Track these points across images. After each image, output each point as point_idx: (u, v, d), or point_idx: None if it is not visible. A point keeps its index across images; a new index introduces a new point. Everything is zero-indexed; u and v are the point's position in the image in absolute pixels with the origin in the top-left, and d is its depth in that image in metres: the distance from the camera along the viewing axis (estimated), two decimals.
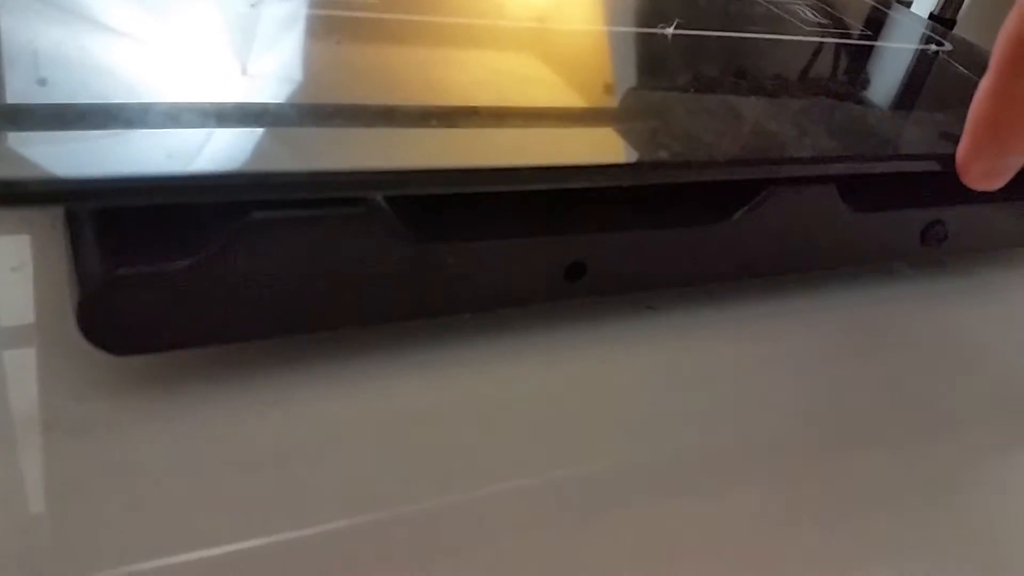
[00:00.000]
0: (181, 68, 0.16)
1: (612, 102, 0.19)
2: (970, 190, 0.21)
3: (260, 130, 0.15)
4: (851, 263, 0.22)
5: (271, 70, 0.17)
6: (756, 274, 0.21)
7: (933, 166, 0.21)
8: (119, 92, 0.15)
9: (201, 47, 0.18)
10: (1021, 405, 0.21)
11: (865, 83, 0.24)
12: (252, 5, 0.20)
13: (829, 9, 0.30)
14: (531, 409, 0.18)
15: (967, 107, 0.24)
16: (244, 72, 0.17)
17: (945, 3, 0.35)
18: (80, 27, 0.17)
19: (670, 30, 0.24)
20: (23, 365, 0.16)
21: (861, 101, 0.22)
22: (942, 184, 0.22)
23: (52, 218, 0.19)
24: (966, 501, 0.18)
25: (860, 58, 0.27)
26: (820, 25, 0.28)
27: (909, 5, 0.37)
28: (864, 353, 0.22)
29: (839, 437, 0.19)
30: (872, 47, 0.28)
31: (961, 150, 0.19)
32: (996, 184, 0.20)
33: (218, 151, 0.14)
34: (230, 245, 0.14)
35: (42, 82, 0.14)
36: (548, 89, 0.19)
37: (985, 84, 0.18)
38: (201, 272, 0.14)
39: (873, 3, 0.33)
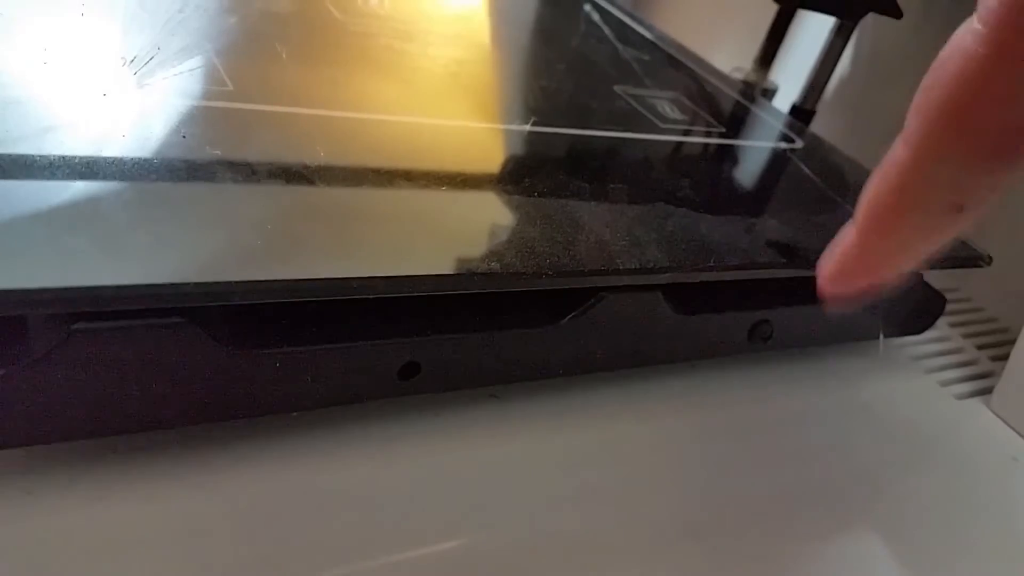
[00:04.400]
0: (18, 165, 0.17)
1: (453, 205, 0.20)
2: (793, 293, 0.23)
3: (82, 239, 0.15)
4: (680, 359, 0.24)
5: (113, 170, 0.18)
6: (587, 370, 0.22)
7: (754, 274, 0.22)
8: None
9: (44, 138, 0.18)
10: (832, 496, 0.23)
11: (705, 187, 0.26)
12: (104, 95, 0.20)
13: (689, 104, 0.32)
14: (366, 498, 0.18)
15: (801, 211, 0.26)
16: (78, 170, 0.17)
17: (806, 95, 0.38)
18: None
19: (527, 127, 0.25)
20: None
21: (698, 207, 0.24)
22: (768, 286, 0.24)
23: None
24: None
25: (708, 159, 0.29)
26: (676, 122, 0.30)
27: (773, 96, 0.39)
28: (696, 441, 0.23)
29: (665, 527, 0.20)
30: (722, 146, 0.30)
31: (823, 284, 0.21)
32: (850, 308, 0.21)
33: (36, 260, 0.15)
34: (51, 354, 0.15)
35: None
36: (392, 188, 0.20)
37: (851, 238, 0.19)
38: (21, 378, 0.15)
39: (736, 97, 0.35)
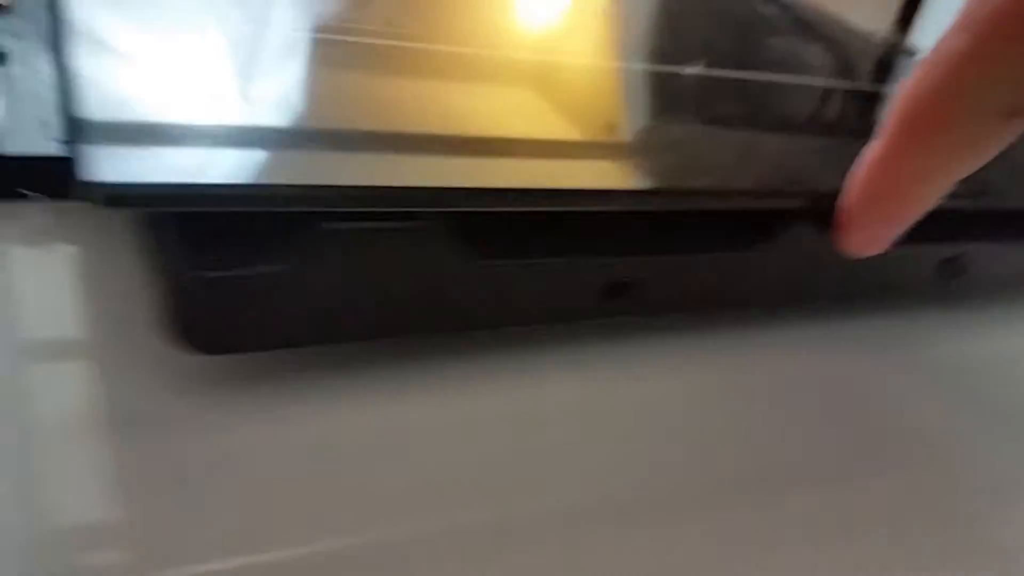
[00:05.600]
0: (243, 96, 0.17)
1: (649, 135, 0.21)
2: (992, 227, 0.22)
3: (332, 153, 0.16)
4: (871, 295, 0.23)
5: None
6: (778, 302, 0.22)
7: (953, 204, 0.22)
8: (204, 115, 0.16)
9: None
10: None
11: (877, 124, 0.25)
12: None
13: (843, 54, 0.32)
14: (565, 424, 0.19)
15: None
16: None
17: None
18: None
19: (695, 70, 0.25)
20: (103, 366, 0.17)
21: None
22: (962, 219, 0.23)
23: (116, 226, 0.20)
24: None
25: (871, 101, 0.28)
26: (833, 72, 0.29)
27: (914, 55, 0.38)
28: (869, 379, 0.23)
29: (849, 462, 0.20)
30: (877, 94, 0.29)
31: (844, 216, 0.18)
32: (873, 252, 0.19)
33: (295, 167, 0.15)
34: (314, 252, 0.15)
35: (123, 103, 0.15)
36: (589, 122, 0.20)
37: (878, 150, 0.17)
38: (288, 277, 0.15)
39: (882, 53, 0.35)
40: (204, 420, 0.16)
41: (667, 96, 0.24)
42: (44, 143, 0.20)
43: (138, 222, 0.17)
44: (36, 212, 0.19)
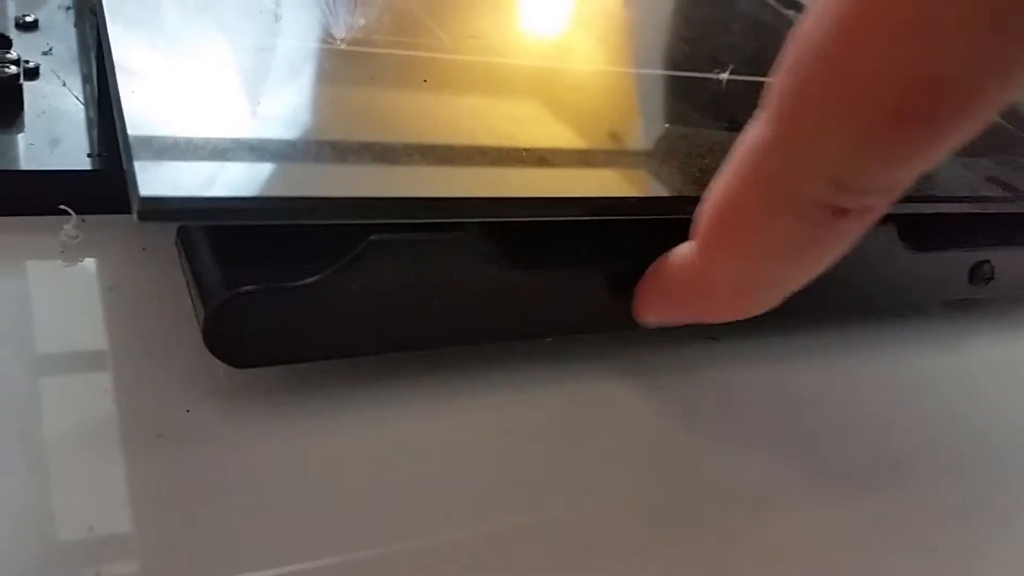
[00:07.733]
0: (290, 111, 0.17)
1: (683, 143, 0.21)
2: (1016, 233, 0.22)
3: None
4: (903, 303, 0.23)
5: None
6: (817, 311, 0.22)
7: (983, 207, 0.22)
8: (247, 129, 0.16)
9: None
10: None
11: None
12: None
13: None
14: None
15: (1007, 154, 0.26)
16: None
17: None
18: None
19: (725, 75, 0.25)
20: (132, 377, 0.17)
21: None
22: (989, 226, 0.23)
23: (142, 241, 0.20)
24: None
25: None
26: None
27: None
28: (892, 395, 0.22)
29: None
30: None
31: (643, 302, 0.17)
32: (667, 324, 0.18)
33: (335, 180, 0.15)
34: (347, 265, 0.15)
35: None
36: (625, 129, 0.20)
37: (687, 258, 0.15)
38: (319, 289, 0.15)
39: None
40: (229, 434, 0.16)
41: (701, 103, 0.24)
42: (75, 158, 0.20)
43: (171, 235, 0.17)
44: (67, 226, 0.19)
